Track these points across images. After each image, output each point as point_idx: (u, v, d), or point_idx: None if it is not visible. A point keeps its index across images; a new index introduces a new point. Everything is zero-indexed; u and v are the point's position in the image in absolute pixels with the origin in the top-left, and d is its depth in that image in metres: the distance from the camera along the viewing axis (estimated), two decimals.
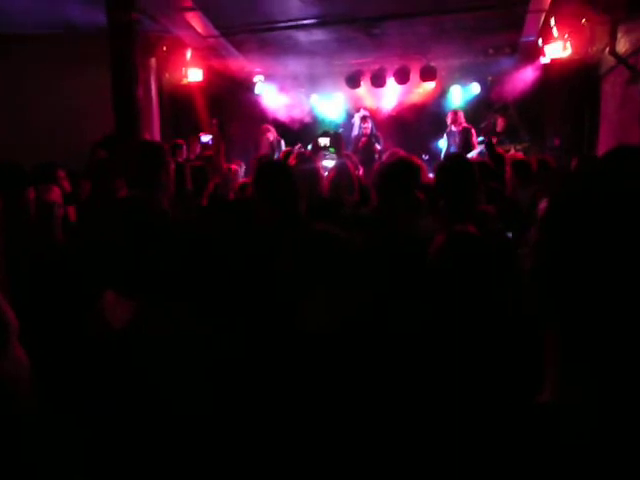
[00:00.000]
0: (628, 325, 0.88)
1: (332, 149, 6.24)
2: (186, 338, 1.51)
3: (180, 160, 7.41)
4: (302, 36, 8.59)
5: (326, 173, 5.55)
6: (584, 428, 0.89)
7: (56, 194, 2.88)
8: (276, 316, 1.45)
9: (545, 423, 0.93)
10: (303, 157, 4.94)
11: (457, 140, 8.85)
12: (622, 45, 6.28)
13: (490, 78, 10.67)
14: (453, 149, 8.86)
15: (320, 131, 8.73)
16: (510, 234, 3.36)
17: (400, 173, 3.02)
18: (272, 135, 9.35)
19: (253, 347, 1.44)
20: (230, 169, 7.02)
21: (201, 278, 1.65)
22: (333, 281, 1.51)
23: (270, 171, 2.76)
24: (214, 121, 10.86)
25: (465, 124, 8.93)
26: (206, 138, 7.31)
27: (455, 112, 9.15)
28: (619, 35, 6.29)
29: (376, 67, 10.29)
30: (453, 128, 8.94)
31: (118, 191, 2.54)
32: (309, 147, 8.60)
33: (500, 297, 2.21)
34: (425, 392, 1.71)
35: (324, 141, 6.13)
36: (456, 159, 3.43)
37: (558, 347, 0.96)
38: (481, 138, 9.19)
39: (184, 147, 7.82)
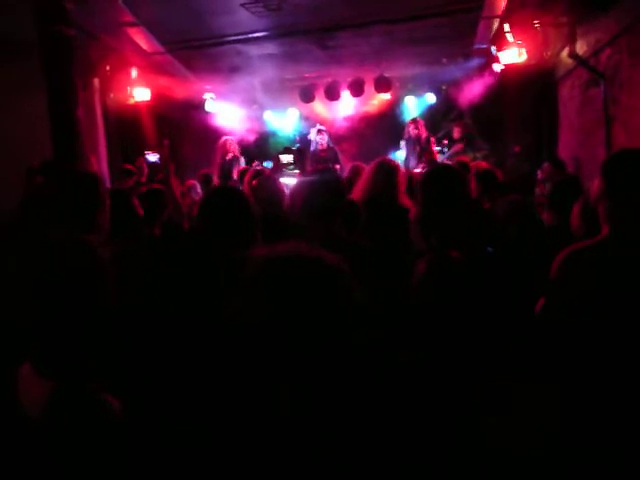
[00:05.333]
0: None
1: (292, 167, 5.94)
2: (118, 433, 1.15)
3: (130, 184, 6.97)
4: (253, 50, 8.29)
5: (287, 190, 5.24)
6: None
7: None
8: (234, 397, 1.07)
9: None
10: (262, 175, 4.59)
11: (417, 148, 8.68)
12: (579, 47, 6.21)
13: (444, 87, 10.61)
14: (413, 159, 8.70)
15: (278, 148, 8.39)
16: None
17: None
18: (231, 151, 8.74)
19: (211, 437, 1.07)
20: (188, 188, 6.61)
21: (140, 355, 1.30)
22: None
23: (221, 199, 2.39)
24: (165, 142, 10.44)
25: (427, 133, 8.80)
26: (153, 157, 6.79)
27: (415, 120, 9.01)
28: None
29: (330, 80, 10.10)
30: (412, 137, 8.77)
31: (48, 226, 2.13)
32: (265, 164, 8.25)
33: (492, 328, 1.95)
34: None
35: (287, 158, 5.79)
36: (443, 171, 3.12)
37: None
38: (438, 147, 9.09)
39: (133, 171, 7.39)
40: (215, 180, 7.74)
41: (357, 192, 3.68)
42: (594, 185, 2.09)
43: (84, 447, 1.19)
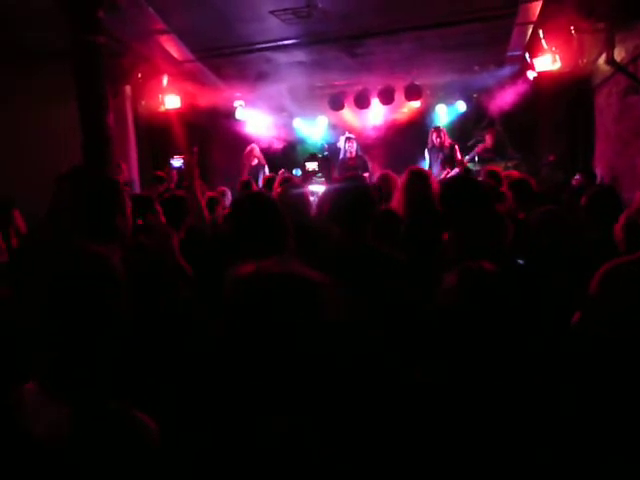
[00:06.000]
0: None
1: (320, 174, 5.87)
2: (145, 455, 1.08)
3: (160, 190, 7.01)
4: (282, 58, 8.28)
5: (314, 199, 5.18)
6: None
7: None
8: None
9: None
10: (289, 182, 4.54)
11: (441, 156, 8.55)
12: (617, 54, 6.01)
13: (475, 95, 10.46)
14: (436, 167, 8.57)
15: (306, 156, 8.37)
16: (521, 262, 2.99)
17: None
18: (257, 157, 8.93)
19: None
20: (220, 194, 6.60)
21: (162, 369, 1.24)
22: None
23: (252, 204, 2.34)
24: (195, 148, 10.51)
25: (450, 140, 8.67)
26: (178, 162, 6.81)
27: (438, 128, 8.89)
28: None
29: (359, 88, 10.05)
30: (436, 145, 8.65)
31: (69, 233, 2.10)
32: (294, 172, 8.24)
33: (525, 342, 1.85)
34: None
35: (312, 165, 5.74)
36: (463, 182, 3.03)
37: None
38: (468, 157, 8.94)
39: (164, 178, 7.45)
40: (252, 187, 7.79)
41: (395, 203, 3.59)
42: (636, 196, 1.97)
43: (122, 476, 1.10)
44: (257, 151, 8.99)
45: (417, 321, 1.97)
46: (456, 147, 8.53)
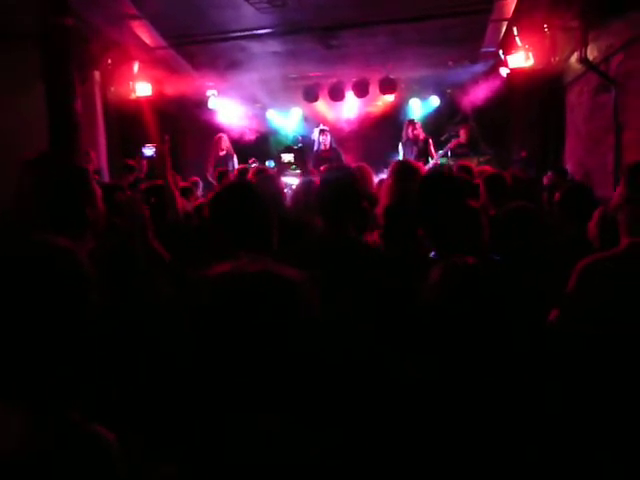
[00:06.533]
0: None
1: (294, 166, 5.82)
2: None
3: (130, 180, 6.85)
4: (257, 47, 8.17)
5: (288, 191, 5.12)
6: None
7: None
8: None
9: None
10: (263, 173, 4.47)
11: (415, 150, 8.54)
12: (589, 53, 6.09)
13: (449, 90, 10.50)
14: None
15: (279, 147, 8.28)
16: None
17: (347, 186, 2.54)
18: (224, 148, 8.76)
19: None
20: (192, 184, 6.48)
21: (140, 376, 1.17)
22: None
23: (235, 195, 2.26)
24: (166, 137, 10.29)
25: (425, 134, 8.67)
26: (149, 151, 6.65)
27: (413, 122, 8.87)
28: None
29: (334, 80, 9.99)
30: (410, 138, 8.64)
31: (34, 225, 1.99)
32: (267, 164, 8.15)
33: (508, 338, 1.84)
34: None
35: (287, 157, 5.67)
36: (439, 176, 3.02)
37: None
38: (441, 152, 8.97)
39: (134, 167, 7.26)
40: (209, 176, 7.74)
41: (383, 196, 3.54)
42: (616, 193, 1.97)
43: None
44: (225, 141, 8.85)
45: (404, 316, 1.95)
46: (430, 141, 8.53)
